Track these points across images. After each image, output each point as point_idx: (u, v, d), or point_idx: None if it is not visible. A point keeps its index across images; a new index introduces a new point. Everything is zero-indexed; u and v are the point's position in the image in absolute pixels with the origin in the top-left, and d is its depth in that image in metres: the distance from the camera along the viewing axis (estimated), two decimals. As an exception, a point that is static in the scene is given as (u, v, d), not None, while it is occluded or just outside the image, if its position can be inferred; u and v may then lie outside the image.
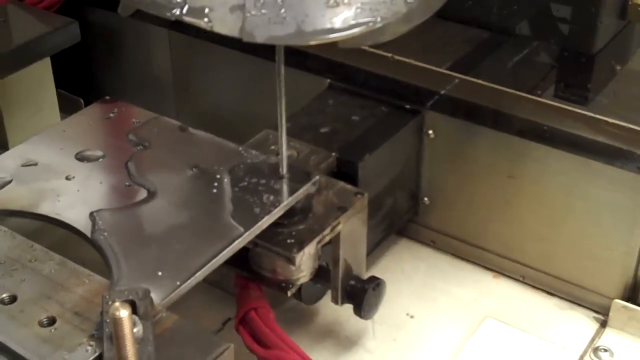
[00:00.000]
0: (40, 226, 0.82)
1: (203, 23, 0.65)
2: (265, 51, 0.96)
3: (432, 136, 1.03)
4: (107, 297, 0.68)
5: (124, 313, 0.62)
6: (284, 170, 0.84)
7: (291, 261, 0.82)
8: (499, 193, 1.02)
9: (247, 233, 0.78)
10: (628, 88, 1.06)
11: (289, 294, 0.87)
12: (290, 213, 0.83)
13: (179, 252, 0.76)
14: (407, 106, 1.03)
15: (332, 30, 0.64)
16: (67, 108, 1.20)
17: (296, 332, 0.96)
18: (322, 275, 0.90)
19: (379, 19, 0.65)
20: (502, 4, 1.13)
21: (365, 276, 0.92)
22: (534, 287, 1.04)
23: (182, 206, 0.82)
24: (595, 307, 1.00)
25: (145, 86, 1.33)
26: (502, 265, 1.05)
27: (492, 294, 1.03)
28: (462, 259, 1.08)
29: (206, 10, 0.65)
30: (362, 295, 0.90)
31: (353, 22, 0.65)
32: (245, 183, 0.84)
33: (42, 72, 1.19)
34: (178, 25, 1.19)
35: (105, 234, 0.78)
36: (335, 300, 0.91)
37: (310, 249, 0.83)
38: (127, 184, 0.85)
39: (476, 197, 1.04)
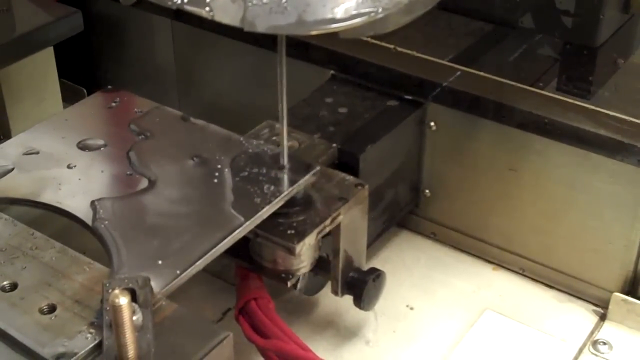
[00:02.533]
0: (42, 214, 0.82)
1: (204, 12, 0.65)
2: (268, 42, 0.96)
3: (433, 128, 1.03)
4: (107, 284, 0.68)
5: (123, 301, 0.62)
6: (284, 160, 0.84)
7: (291, 251, 0.82)
8: (499, 185, 1.02)
9: (247, 223, 0.78)
10: (630, 81, 1.06)
11: (289, 284, 0.87)
12: (290, 203, 0.83)
13: (180, 241, 0.76)
14: (409, 98, 1.03)
15: (334, 20, 0.64)
16: (69, 97, 1.20)
17: (296, 323, 0.96)
18: (322, 266, 0.90)
19: (380, 10, 0.65)
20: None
21: (366, 267, 0.92)
22: (533, 279, 1.04)
23: (183, 196, 0.82)
24: (594, 300, 1.00)
25: (147, 76, 1.33)
26: (502, 258, 1.05)
27: (491, 286, 1.03)
28: (463, 251, 1.08)
29: (208, -1, 0.65)
30: (362, 286, 0.90)
31: (354, 12, 0.65)
32: (246, 173, 0.84)
33: (45, 62, 1.20)
34: (181, 16, 1.20)
35: (106, 222, 0.78)
36: (335, 292, 0.91)
37: (310, 240, 0.83)
38: (128, 173, 0.85)
39: (477, 190, 1.04)
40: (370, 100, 1.04)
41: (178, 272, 0.72)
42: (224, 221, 0.78)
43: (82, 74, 1.36)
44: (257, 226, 0.80)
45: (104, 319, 0.67)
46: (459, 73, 1.02)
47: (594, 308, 1.00)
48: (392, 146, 1.01)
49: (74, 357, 0.65)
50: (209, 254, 0.74)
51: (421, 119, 1.03)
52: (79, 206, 0.80)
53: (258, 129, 0.95)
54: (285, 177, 0.84)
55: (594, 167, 0.94)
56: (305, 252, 0.86)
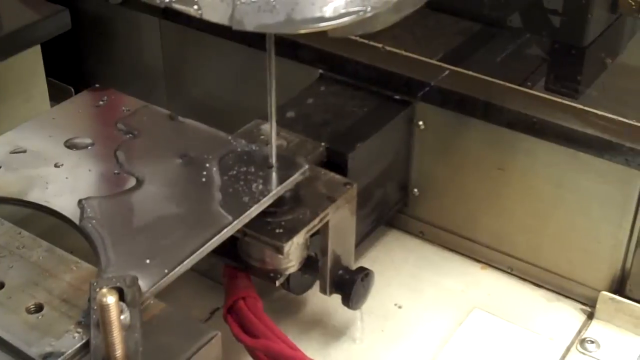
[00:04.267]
0: (29, 213, 0.82)
1: (192, 10, 0.65)
2: (257, 41, 0.96)
3: (422, 127, 1.03)
4: (95, 284, 0.68)
5: (111, 300, 0.62)
6: (273, 159, 0.84)
7: (280, 251, 0.82)
8: (488, 185, 1.02)
9: (235, 222, 0.78)
10: (618, 81, 1.07)
11: (278, 283, 0.87)
12: (279, 203, 0.83)
13: (168, 240, 0.75)
14: (398, 97, 1.03)
15: (322, 19, 0.64)
16: (57, 96, 1.20)
17: (284, 322, 0.96)
18: (310, 265, 0.90)
19: (369, 8, 0.65)
20: (493, -4, 1.13)
21: (354, 267, 0.92)
22: (521, 278, 1.04)
23: (171, 194, 0.82)
24: (582, 299, 1.00)
25: (135, 75, 1.33)
26: (491, 257, 1.06)
27: (480, 285, 1.03)
28: (451, 250, 1.08)
29: (196, -2, 0.65)
30: (351, 285, 0.90)
31: (343, 11, 0.65)
32: (235, 172, 0.84)
33: (32, 60, 1.19)
34: (169, 14, 1.20)
35: (94, 221, 0.77)
36: (323, 291, 0.91)
37: (299, 239, 0.83)
38: (115, 172, 0.85)
39: (466, 189, 1.04)
40: (359, 99, 1.04)
41: (166, 271, 0.72)
42: (212, 220, 0.78)
43: (69, 72, 1.35)
44: (246, 225, 0.80)
45: (92, 318, 0.66)
46: (447, 72, 1.02)
47: (582, 307, 1.00)
48: (380, 145, 1.01)
49: (61, 357, 0.65)
50: (197, 253, 0.74)
51: (410, 118, 1.03)
52: (66, 205, 0.80)
53: (246, 127, 0.95)
54: (274, 176, 0.83)
55: (582, 166, 0.94)
56: (293, 251, 0.86)
